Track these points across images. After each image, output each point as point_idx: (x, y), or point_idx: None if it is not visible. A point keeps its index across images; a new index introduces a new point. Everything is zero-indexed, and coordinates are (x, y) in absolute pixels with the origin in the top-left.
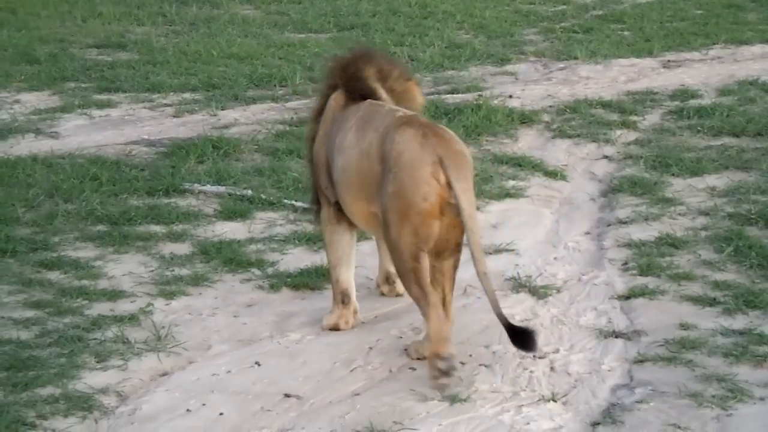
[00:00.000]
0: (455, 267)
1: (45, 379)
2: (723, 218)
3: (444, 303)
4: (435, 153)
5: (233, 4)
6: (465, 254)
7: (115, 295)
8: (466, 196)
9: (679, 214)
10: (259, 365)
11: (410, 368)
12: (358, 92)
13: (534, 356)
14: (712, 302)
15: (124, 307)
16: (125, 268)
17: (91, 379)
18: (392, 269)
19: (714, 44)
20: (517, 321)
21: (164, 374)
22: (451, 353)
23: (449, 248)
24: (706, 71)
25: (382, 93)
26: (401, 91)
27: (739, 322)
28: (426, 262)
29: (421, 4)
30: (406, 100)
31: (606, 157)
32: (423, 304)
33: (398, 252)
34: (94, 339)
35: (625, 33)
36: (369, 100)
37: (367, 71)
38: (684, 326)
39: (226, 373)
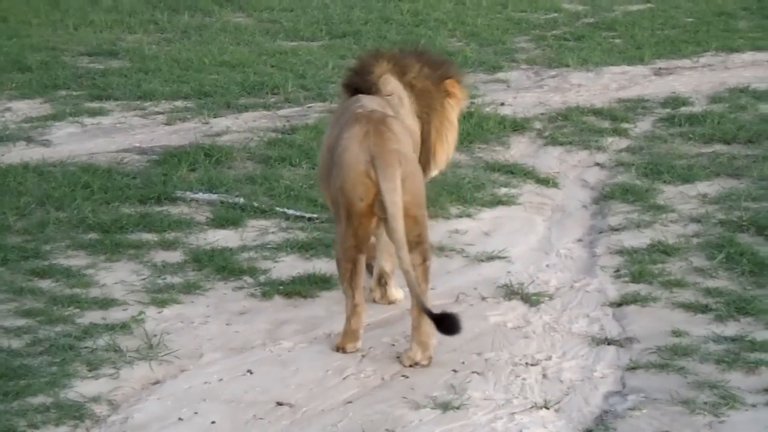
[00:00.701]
0: (423, 259)
1: (36, 388)
2: (714, 225)
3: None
4: (369, 152)
5: (225, 12)
6: (454, 262)
7: (106, 303)
8: (389, 196)
9: (671, 221)
10: (251, 373)
11: (403, 376)
12: (355, 87)
13: (527, 364)
14: (704, 309)
15: (115, 315)
16: (117, 277)
17: (83, 388)
18: (387, 268)
19: (705, 52)
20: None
21: (156, 383)
22: (356, 350)
23: (409, 242)
24: (697, 79)
25: (389, 88)
26: (422, 88)
27: (731, 328)
28: (361, 265)
29: (413, 11)
30: (427, 97)
31: (598, 164)
32: (347, 301)
33: (340, 250)
34: (86, 347)
35: (617, 41)
36: (359, 94)
37: (377, 66)
38: (676, 333)
39: (218, 382)
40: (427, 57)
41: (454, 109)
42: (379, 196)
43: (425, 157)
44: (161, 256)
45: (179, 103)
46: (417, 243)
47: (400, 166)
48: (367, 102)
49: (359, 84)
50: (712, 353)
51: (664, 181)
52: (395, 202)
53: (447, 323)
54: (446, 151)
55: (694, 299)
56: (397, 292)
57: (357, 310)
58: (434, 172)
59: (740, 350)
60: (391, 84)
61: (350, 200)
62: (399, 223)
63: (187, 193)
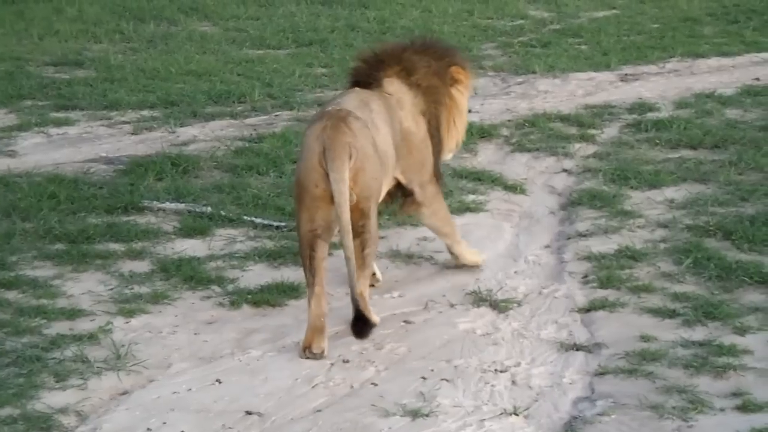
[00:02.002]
0: (364, 248)
1: (3, 400)
2: (682, 230)
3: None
4: (322, 144)
5: (191, 21)
6: (423, 270)
7: (74, 313)
8: (336, 185)
9: (638, 227)
10: (220, 383)
11: (372, 384)
12: (355, 81)
13: (496, 370)
14: (672, 314)
15: (83, 325)
16: (84, 287)
17: (50, 399)
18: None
19: (671, 57)
20: (371, 312)
21: (124, 393)
22: (322, 350)
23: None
24: (663, 84)
25: (391, 89)
26: (427, 86)
27: (698, 333)
28: (322, 252)
29: (380, 19)
30: (434, 93)
31: (565, 170)
32: (308, 290)
33: (299, 237)
34: (53, 358)
35: (583, 47)
36: (354, 88)
37: (384, 69)
38: (644, 338)
39: (186, 391)
40: (432, 50)
41: (462, 95)
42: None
43: (436, 145)
44: (128, 266)
45: (145, 113)
46: (361, 232)
47: (350, 159)
48: (349, 99)
49: (361, 79)
50: (681, 358)
51: (631, 187)
52: (341, 191)
53: (359, 326)
54: (454, 135)
55: (662, 304)
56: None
57: (317, 297)
58: (447, 156)
59: (708, 355)
60: (394, 86)
61: (305, 186)
62: (343, 211)
63: (154, 202)
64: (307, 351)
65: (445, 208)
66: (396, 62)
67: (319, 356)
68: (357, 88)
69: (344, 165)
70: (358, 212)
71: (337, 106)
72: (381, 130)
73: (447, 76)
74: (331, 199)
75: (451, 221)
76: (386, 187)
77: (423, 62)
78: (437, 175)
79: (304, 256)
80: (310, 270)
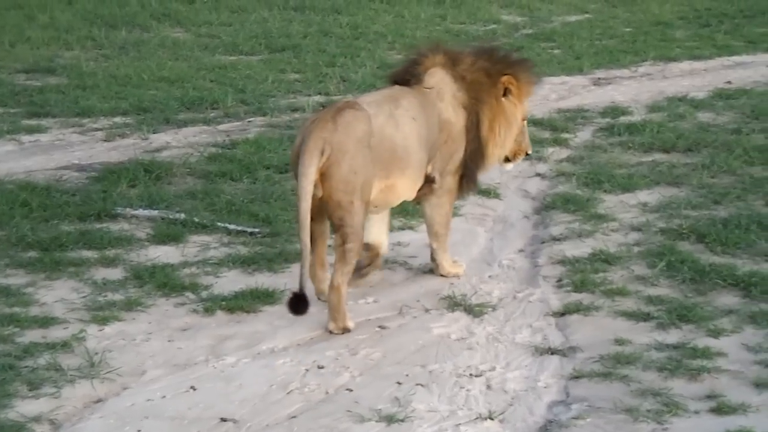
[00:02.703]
0: (343, 241)
1: None
2: (655, 233)
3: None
4: (302, 137)
5: (163, 28)
6: (397, 275)
7: (47, 321)
8: (299, 178)
9: (612, 230)
10: (194, 390)
11: (347, 389)
12: (395, 79)
13: (471, 375)
14: (646, 317)
15: (56, 333)
16: (57, 295)
17: (24, 408)
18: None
19: (643, 61)
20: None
21: (98, 401)
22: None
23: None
24: (635, 88)
25: (432, 81)
26: (472, 80)
27: (672, 336)
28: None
29: (353, 25)
30: (477, 89)
31: (539, 174)
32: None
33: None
34: (26, 367)
35: (556, 51)
36: (392, 86)
37: (429, 59)
38: (619, 341)
39: (161, 399)
40: (489, 55)
41: (514, 105)
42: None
43: (475, 148)
44: (102, 274)
45: (118, 120)
46: (339, 225)
47: (321, 154)
48: (375, 92)
49: (400, 75)
50: (655, 361)
51: (605, 191)
52: (301, 185)
53: (294, 301)
54: (498, 145)
55: (636, 307)
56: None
57: (303, 256)
58: (489, 164)
59: (682, 357)
60: (436, 77)
61: (294, 175)
62: (300, 203)
63: (128, 209)
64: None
65: (449, 209)
66: (440, 54)
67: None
68: (396, 86)
69: (311, 160)
70: (335, 204)
71: (349, 101)
72: (403, 126)
73: (498, 81)
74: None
75: (448, 225)
76: (407, 180)
77: (471, 59)
78: (468, 173)
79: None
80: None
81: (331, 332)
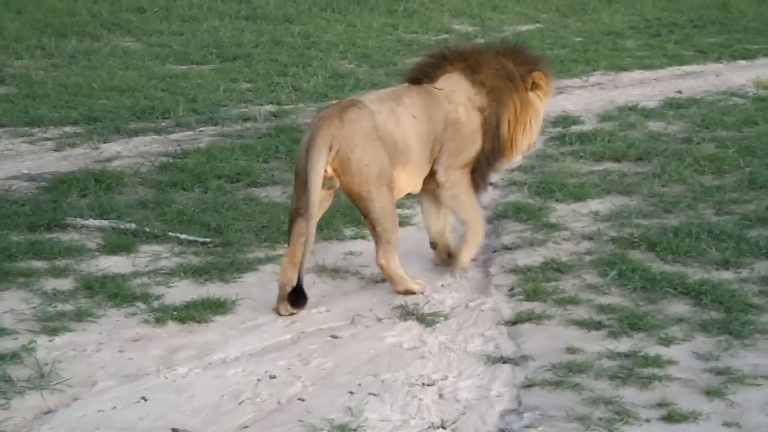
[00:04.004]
0: (373, 227)
1: None
2: (606, 242)
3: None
4: (310, 134)
5: (114, 37)
6: (350, 284)
7: None
8: (308, 174)
9: (564, 239)
10: (145, 400)
11: (299, 399)
12: (408, 77)
13: (423, 384)
14: (598, 326)
15: (5, 344)
16: (6, 305)
17: None
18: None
19: (594, 71)
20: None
21: (48, 412)
22: (289, 312)
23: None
24: (587, 97)
25: (445, 84)
26: (491, 86)
27: (624, 344)
28: (300, 228)
29: (304, 34)
30: (497, 93)
31: (490, 183)
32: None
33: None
34: None
35: None
36: (403, 84)
37: (449, 64)
38: (570, 350)
39: (112, 410)
40: (516, 55)
41: (541, 100)
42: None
43: (494, 146)
44: (52, 284)
45: (68, 129)
46: (365, 214)
47: (330, 150)
48: (377, 91)
49: (417, 75)
50: (606, 369)
51: (557, 200)
52: (311, 179)
53: (294, 296)
54: (528, 136)
55: (588, 316)
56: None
57: (283, 266)
58: (517, 153)
59: (633, 366)
60: (451, 80)
61: (296, 170)
62: (311, 196)
63: (78, 219)
64: (277, 312)
65: (471, 198)
66: (461, 60)
67: (287, 315)
68: (405, 84)
69: (320, 155)
70: (355, 196)
71: (353, 97)
72: (403, 123)
73: (527, 80)
74: (324, 186)
75: (475, 211)
76: (407, 174)
77: (495, 63)
78: (480, 169)
79: (288, 229)
80: (288, 241)
81: (398, 293)
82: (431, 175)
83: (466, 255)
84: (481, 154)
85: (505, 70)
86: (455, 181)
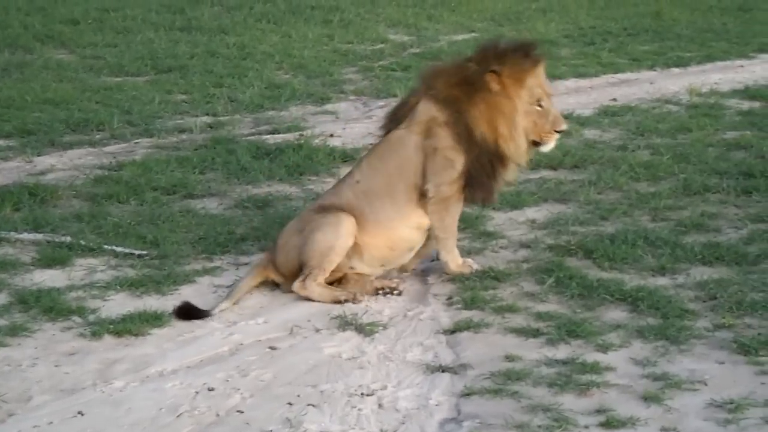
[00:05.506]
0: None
1: None
2: (543, 250)
3: None
4: None
5: (47, 49)
6: (288, 294)
7: None
8: None
9: (501, 248)
10: (82, 415)
11: (238, 411)
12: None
13: (362, 394)
14: (536, 333)
15: None
16: None
17: None
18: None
19: None
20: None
21: None
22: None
23: None
24: None
25: (418, 119)
26: (445, 97)
27: (562, 351)
28: None
29: (240, 45)
30: (455, 102)
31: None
32: None
33: None
34: None
35: None
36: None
37: (412, 98)
38: (509, 358)
39: (48, 425)
40: (480, 55)
41: (504, 98)
42: None
43: (479, 153)
44: None
45: (1, 143)
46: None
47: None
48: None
49: (391, 122)
50: (545, 377)
51: (494, 208)
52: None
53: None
54: (507, 139)
55: (526, 324)
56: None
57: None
58: (512, 159)
59: (572, 373)
60: (420, 108)
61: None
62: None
63: (12, 233)
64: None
65: (447, 215)
66: (423, 82)
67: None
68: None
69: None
70: None
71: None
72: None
73: (483, 83)
74: None
75: (448, 230)
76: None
77: (450, 73)
78: (472, 182)
79: None
80: None
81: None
82: (422, 194)
83: (453, 263)
84: (472, 167)
85: (462, 75)
86: (442, 197)
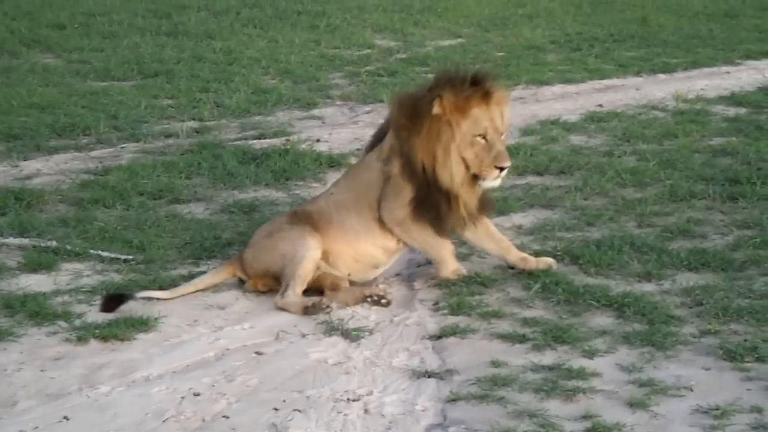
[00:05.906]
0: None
1: None
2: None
3: None
4: None
5: (33, 54)
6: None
7: None
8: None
9: (487, 254)
10: (67, 420)
11: (224, 416)
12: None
13: (348, 399)
14: (522, 339)
15: None
16: None
17: None
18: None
19: (516, 85)
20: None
21: None
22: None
23: None
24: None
25: (385, 150)
26: (395, 126)
27: (548, 357)
28: None
29: (226, 50)
30: (404, 132)
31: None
32: None
33: None
34: None
35: (429, 75)
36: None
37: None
38: (495, 363)
39: (33, 430)
40: (435, 81)
41: (450, 125)
42: None
43: (423, 181)
44: None
45: None
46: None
47: None
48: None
49: (374, 144)
50: (531, 382)
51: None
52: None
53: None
54: (441, 166)
55: (512, 329)
56: None
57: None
58: (446, 186)
59: (558, 378)
60: (386, 139)
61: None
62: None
63: None
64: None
65: (420, 232)
66: (390, 109)
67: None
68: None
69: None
70: None
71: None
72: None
73: (429, 109)
74: None
75: (428, 243)
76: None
77: (402, 101)
78: (420, 207)
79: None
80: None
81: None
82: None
83: (441, 270)
84: (418, 194)
85: (415, 103)
86: (399, 220)
